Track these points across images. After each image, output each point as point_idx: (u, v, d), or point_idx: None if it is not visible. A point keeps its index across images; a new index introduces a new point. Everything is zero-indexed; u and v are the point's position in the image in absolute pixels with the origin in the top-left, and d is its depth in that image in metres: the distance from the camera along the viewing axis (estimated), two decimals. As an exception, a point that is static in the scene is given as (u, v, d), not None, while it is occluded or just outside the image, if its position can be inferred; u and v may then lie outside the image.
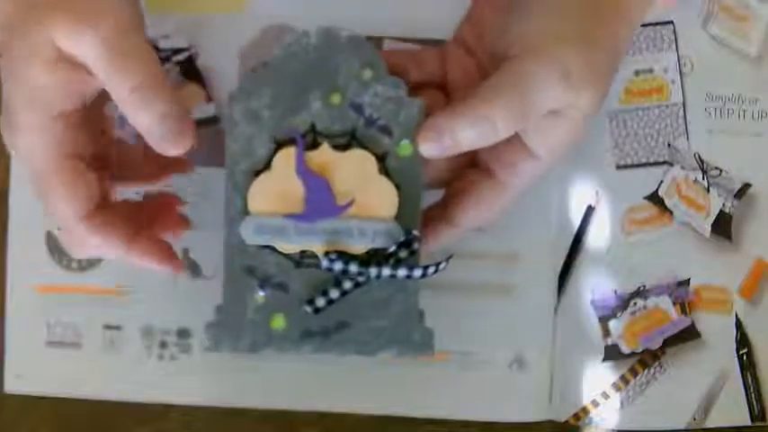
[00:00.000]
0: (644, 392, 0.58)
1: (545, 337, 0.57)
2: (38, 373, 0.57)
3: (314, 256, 0.45)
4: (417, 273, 0.44)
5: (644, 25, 0.57)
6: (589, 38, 0.42)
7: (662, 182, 0.58)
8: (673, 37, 0.58)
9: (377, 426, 0.57)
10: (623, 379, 0.58)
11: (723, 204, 0.58)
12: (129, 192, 0.49)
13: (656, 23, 0.58)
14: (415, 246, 0.45)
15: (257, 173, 0.44)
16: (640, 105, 0.58)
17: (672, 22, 0.58)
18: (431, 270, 0.45)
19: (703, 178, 0.58)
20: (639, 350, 0.58)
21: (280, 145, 0.44)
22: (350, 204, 0.44)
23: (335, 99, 0.44)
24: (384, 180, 0.44)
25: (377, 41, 0.57)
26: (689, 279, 0.58)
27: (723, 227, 0.58)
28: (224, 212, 0.45)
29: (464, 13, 0.49)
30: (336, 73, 0.44)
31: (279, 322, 0.45)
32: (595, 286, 0.58)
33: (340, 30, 0.44)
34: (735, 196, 0.58)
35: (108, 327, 0.57)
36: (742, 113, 0.58)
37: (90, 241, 0.45)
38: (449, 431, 0.58)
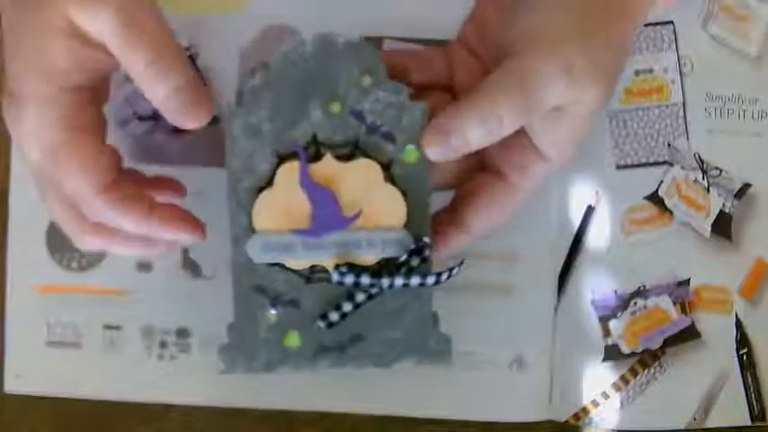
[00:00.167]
0: (644, 392, 0.58)
1: (545, 337, 0.57)
2: (38, 373, 0.57)
3: (324, 270, 0.44)
4: (431, 280, 0.44)
5: (644, 25, 0.57)
6: (593, 35, 0.42)
7: (662, 182, 0.58)
8: (673, 37, 0.58)
9: (377, 426, 0.57)
10: (623, 379, 0.58)
11: (723, 204, 0.58)
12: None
13: (656, 23, 0.58)
14: (426, 253, 0.44)
15: (260, 189, 0.43)
16: (640, 105, 0.58)
17: (672, 22, 0.58)
18: (444, 276, 0.44)
19: (703, 178, 0.58)
20: (639, 350, 0.58)
21: (282, 158, 0.43)
22: (357, 215, 0.43)
23: (335, 108, 0.43)
24: (390, 188, 0.44)
25: (377, 42, 0.56)
26: (689, 279, 0.58)
27: (723, 227, 0.58)
28: (229, 231, 0.44)
29: (467, 12, 0.49)
30: (335, 81, 0.43)
31: (293, 340, 0.45)
32: (595, 286, 0.58)
33: (337, 36, 0.43)
34: (735, 196, 0.58)
35: (108, 327, 0.57)
36: (742, 113, 0.58)
37: (107, 216, 0.44)
38: (449, 431, 0.57)
